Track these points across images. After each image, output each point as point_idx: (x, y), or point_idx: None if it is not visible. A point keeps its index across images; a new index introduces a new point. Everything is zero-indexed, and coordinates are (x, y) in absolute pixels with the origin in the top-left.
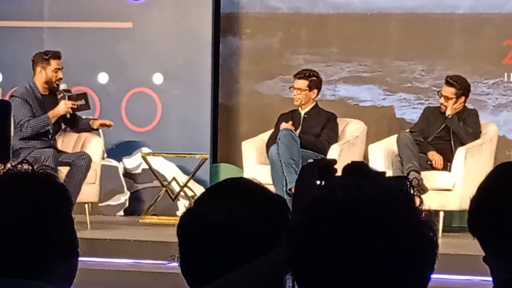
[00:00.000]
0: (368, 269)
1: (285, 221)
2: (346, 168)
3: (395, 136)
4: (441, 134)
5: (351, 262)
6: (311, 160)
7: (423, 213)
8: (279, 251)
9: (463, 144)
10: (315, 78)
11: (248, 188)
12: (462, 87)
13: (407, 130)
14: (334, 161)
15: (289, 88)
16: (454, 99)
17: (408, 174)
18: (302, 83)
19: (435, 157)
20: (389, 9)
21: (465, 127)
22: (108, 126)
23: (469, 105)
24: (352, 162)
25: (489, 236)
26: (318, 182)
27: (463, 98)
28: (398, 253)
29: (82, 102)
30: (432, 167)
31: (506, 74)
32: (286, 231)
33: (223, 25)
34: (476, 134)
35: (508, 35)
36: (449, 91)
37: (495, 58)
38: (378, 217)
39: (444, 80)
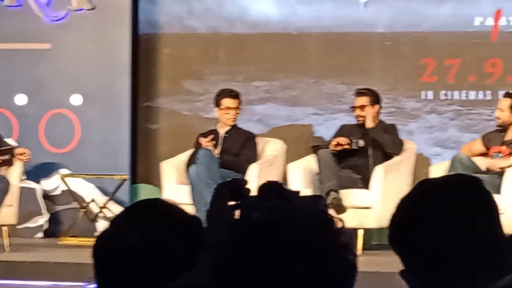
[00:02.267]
0: None
1: (202, 242)
2: (261, 188)
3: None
4: (359, 151)
5: (271, 284)
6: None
7: (343, 235)
8: (195, 272)
9: (381, 160)
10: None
11: (164, 209)
12: (374, 94)
13: (315, 144)
14: (245, 181)
15: (217, 108)
16: (370, 106)
17: (327, 193)
18: (236, 102)
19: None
20: (307, 28)
21: (390, 136)
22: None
23: (389, 122)
24: (268, 181)
25: (406, 251)
26: (231, 203)
27: (377, 107)
28: (318, 276)
29: (7, 157)
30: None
31: (423, 92)
32: (204, 252)
33: (142, 45)
34: (398, 146)
35: (424, 54)
36: (362, 100)
37: (412, 76)
38: (298, 238)
39: (356, 93)
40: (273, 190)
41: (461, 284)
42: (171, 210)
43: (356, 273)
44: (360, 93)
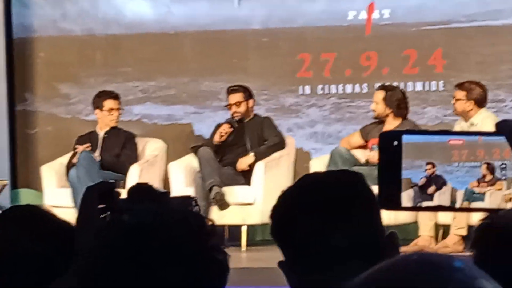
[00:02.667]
0: None
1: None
2: (132, 191)
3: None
4: (235, 142)
5: (144, 287)
6: (112, 182)
7: (214, 235)
8: (68, 276)
9: (262, 155)
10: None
11: (36, 217)
12: (246, 90)
13: (194, 145)
14: (114, 184)
15: (98, 110)
16: (245, 102)
17: (210, 189)
18: (118, 103)
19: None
20: (183, 27)
21: (271, 142)
22: None
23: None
24: (137, 184)
25: (285, 243)
26: (100, 206)
27: (251, 101)
28: (190, 280)
29: None
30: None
31: (300, 86)
32: (73, 258)
33: (16, 49)
34: (282, 141)
35: (301, 49)
36: (236, 97)
37: (289, 71)
38: (171, 243)
39: (228, 91)
40: (144, 192)
41: (332, 275)
42: (43, 217)
43: (228, 273)
44: (233, 90)
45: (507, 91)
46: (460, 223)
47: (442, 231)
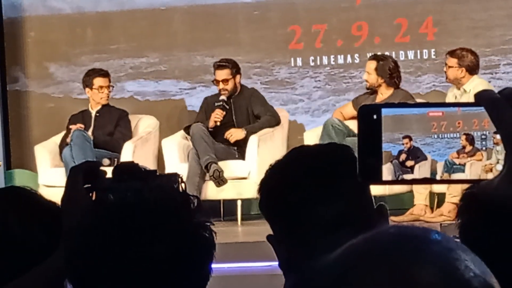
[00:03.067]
0: (149, 272)
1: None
2: (116, 170)
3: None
4: (226, 120)
5: (131, 265)
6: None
7: (199, 212)
8: (56, 256)
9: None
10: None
11: (21, 198)
12: (234, 65)
13: (186, 125)
14: (99, 163)
15: (88, 88)
16: (232, 79)
17: (206, 167)
18: (107, 81)
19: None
20: (172, 2)
21: (264, 119)
22: None
23: (262, 91)
24: (122, 163)
25: (275, 215)
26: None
27: (238, 77)
28: (175, 257)
29: None
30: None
31: (292, 58)
32: (62, 236)
33: (6, 30)
34: (276, 116)
35: (291, 21)
36: (224, 73)
37: (281, 43)
38: (154, 220)
39: (215, 66)
40: (129, 171)
41: (320, 247)
42: (29, 198)
43: (214, 250)
44: (220, 66)
45: (500, 56)
46: (454, 191)
47: (437, 199)
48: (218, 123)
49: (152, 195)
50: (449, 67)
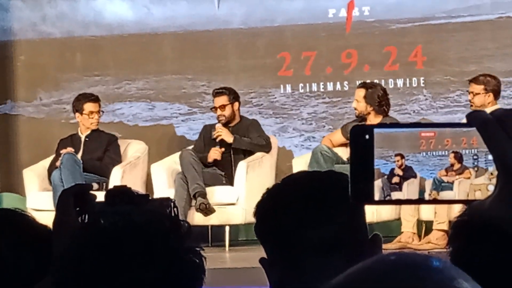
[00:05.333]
0: None
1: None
2: (109, 194)
3: (177, 154)
4: (222, 149)
5: None
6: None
7: (189, 237)
8: (45, 282)
9: (244, 156)
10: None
11: (12, 221)
12: (232, 92)
13: (190, 148)
14: (90, 186)
15: (78, 113)
16: (230, 105)
17: (194, 196)
18: (98, 106)
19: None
20: (162, 28)
21: (255, 141)
22: None
23: (251, 117)
24: (115, 186)
25: (268, 238)
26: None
27: (237, 104)
28: (167, 280)
29: None
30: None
31: (281, 85)
32: (52, 261)
33: None
34: (268, 143)
35: (281, 48)
36: (221, 99)
37: (270, 71)
38: (143, 245)
39: (213, 94)
40: (121, 195)
41: (312, 272)
42: (20, 221)
43: (203, 275)
44: (218, 93)
45: None
46: (441, 218)
47: (425, 227)
48: (217, 158)
49: (142, 220)
50: (476, 94)
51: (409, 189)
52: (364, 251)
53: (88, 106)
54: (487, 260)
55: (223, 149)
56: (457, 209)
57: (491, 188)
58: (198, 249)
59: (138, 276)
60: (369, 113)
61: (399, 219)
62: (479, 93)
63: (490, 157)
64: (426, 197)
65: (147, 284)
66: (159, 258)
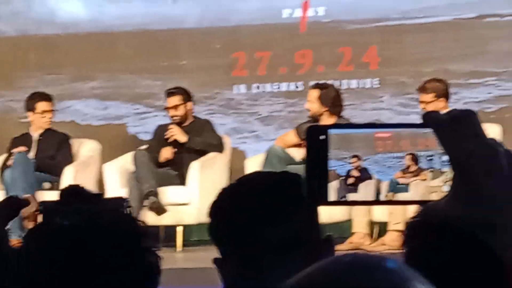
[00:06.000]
0: None
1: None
2: (63, 193)
3: (130, 153)
4: (175, 149)
5: None
6: (47, 183)
7: (146, 237)
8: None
9: (197, 156)
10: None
11: None
12: (185, 93)
13: (143, 147)
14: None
15: (31, 112)
16: (183, 105)
17: (146, 196)
18: (51, 105)
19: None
20: (116, 26)
21: (209, 141)
22: None
23: (204, 117)
24: (69, 185)
25: (222, 239)
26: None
27: (190, 104)
28: (122, 280)
29: None
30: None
31: (235, 85)
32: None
33: None
34: (221, 143)
35: (235, 48)
36: (175, 99)
37: (224, 70)
38: (103, 244)
39: (166, 94)
40: (76, 194)
41: (265, 271)
42: None
43: (159, 275)
44: (171, 93)
45: None
46: (396, 218)
47: (378, 228)
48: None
49: (98, 219)
50: (428, 102)
51: (365, 191)
52: (319, 250)
53: (41, 105)
54: (443, 260)
55: (175, 149)
56: (412, 210)
57: (446, 188)
58: (154, 249)
59: (94, 275)
60: (322, 114)
61: (351, 219)
62: (431, 101)
63: (445, 158)
64: (382, 198)
65: (103, 283)
66: (116, 257)
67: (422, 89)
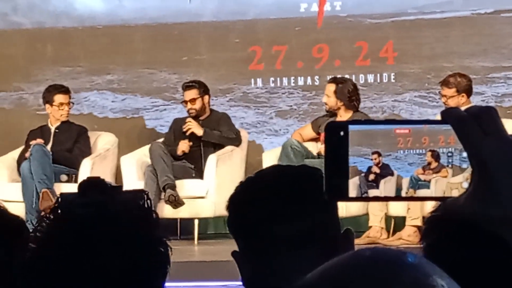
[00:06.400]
0: (103, 285)
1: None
2: (82, 185)
3: (147, 146)
4: (191, 142)
5: (84, 279)
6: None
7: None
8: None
9: (214, 149)
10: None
11: None
12: (202, 86)
13: (160, 140)
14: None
15: (49, 104)
16: (200, 99)
17: (163, 189)
18: (68, 97)
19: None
20: (133, 20)
21: (225, 134)
22: None
23: (221, 111)
24: (88, 178)
25: (241, 232)
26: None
27: (207, 97)
28: (131, 270)
29: None
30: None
31: (252, 79)
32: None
33: None
34: (238, 137)
35: (252, 42)
36: (191, 93)
37: (241, 64)
38: (113, 234)
39: (183, 88)
40: (94, 186)
41: (283, 265)
42: None
43: (168, 265)
44: (188, 86)
45: None
46: (414, 214)
47: (394, 222)
48: (186, 152)
49: (113, 209)
50: (449, 97)
51: (386, 187)
52: (338, 245)
53: (59, 98)
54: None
55: (191, 143)
56: (430, 205)
57: (466, 185)
58: (165, 239)
59: (106, 264)
60: (339, 108)
61: (367, 214)
62: (452, 96)
63: (464, 154)
64: (403, 194)
65: (114, 271)
66: (128, 247)
67: (445, 83)
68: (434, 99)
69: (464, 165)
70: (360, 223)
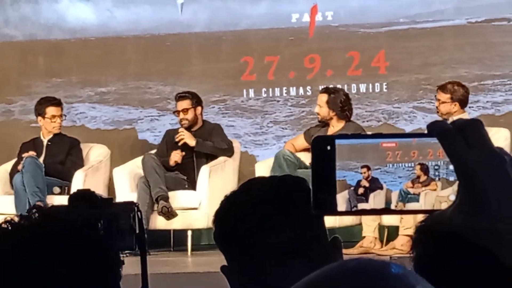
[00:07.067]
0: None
1: None
2: (73, 197)
3: (140, 158)
4: (183, 152)
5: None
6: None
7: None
8: None
9: (206, 160)
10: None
11: None
12: (195, 97)
13: (152, 152)
14: None
15: (41, 117)
16: (193, 109)
17: (157, 199)
18: (60, 110)
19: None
20: (125, 32)
21: (218, 145)
22: None
23: (213, 122)
24: (78, 190)
25: (227, 246)
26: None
27: (200, 108)
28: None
29: None
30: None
31: (244, 90)
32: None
33: None
34: (230, 147)
35: (244, 52)
36: (184, 103)
37: (233, 75)
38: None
39: (176, 98)
40: (85, 198)
41: (272, 278)
42: None
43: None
44: (181, 97)
45: None
46: (407, 223)
47: (387, 232)
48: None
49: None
50: (442, 102)
51: (375, 200)
52: (327, 255)
53: (51, 110)
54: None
55: (183, 153)
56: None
57: (453, 198)
58: (117, 253)
59: (53, 271)
60: (331, 118)
61: (360, 224)
62: (445, 102)
63: (451, 167)
64: (392, 208)
65: (60, 278)
66: (75, 254)
67: (441, 88)
68: (427, 109)
69: (453, 178)
70: (354, 233)
